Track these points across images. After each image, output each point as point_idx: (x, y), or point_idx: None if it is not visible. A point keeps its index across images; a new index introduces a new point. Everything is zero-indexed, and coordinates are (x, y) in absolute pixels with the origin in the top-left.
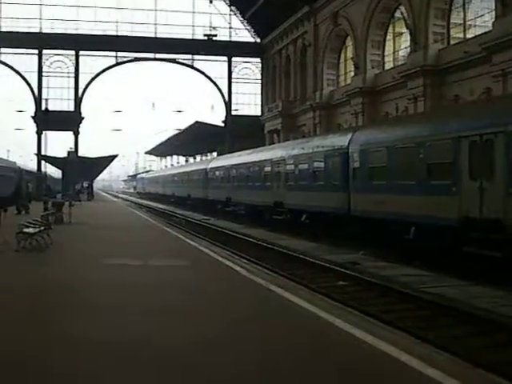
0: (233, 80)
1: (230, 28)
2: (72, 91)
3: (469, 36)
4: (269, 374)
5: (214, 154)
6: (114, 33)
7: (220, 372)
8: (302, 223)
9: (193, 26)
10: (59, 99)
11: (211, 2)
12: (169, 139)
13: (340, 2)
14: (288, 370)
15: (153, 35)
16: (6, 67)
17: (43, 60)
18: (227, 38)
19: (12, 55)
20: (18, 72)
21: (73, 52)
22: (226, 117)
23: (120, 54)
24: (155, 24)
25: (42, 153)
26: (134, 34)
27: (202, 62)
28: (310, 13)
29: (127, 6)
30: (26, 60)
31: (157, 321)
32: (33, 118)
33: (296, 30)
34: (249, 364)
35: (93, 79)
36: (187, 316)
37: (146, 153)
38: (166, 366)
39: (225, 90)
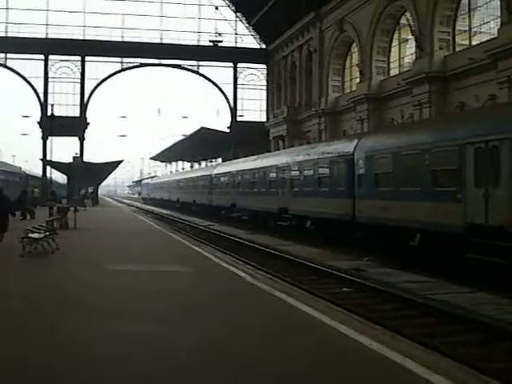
0: (238, 86)
1: (236, 34)
2: (78, 97)
3: (474, 43)
4: (274, 378)
5: (219, 159)
6: (119, 39)
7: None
8: (307, 229)
9: (198, 32)
10: (65, 105)
11: (217, 8)
12: (174, 145)
13: (345, 9)
14: (292, 373)
15: (158, 41)
16: (12, 73)
17: (49, 65)
18: (233, 44)
19: (18, 61)
20: (23, 77)
21: (79, 58)
22: (232, 123)
23: (126, 59)
24: (161, 30)
25: (48, 158)
26: (139, 40)
27: (208, 67)
28: (315, 19)
29: (133, 12)
30: (31, 65)
31: (160, 327)
32: (38, 123)
33: (301, 36)
34: (251, 369)
35: (98, 85)
36: (189, 321)
37: (151, 158)
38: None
39: (230, 96)
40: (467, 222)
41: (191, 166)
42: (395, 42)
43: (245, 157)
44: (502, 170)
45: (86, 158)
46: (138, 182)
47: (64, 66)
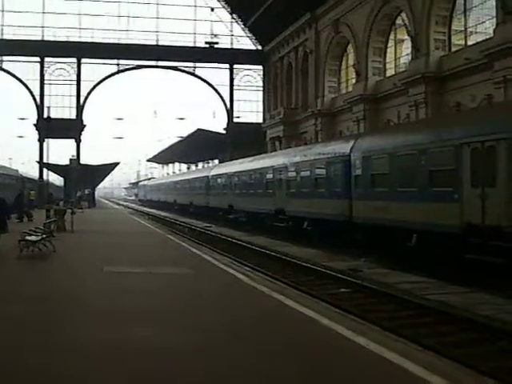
0: (234, 87)
1: (232, 35)
2: (74, 99)
3: (470, 43)
4: (271, 378)
5: (216, 161)
6: (115, 40)
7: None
8: (304, 230)
9: (194, 33)
10: (61, 107)
11: (213, 9)
12: (171, 146)
13: (341, 10)
14: (289, 374)
15: (154, 43)
16: (8, 75)
17: (45, 68)
18: (229, 46)
19: (14, 63)
20: (20, 80)
21: (75, 60)
22: (228, 124)
23: (122, 61)
24: (157, 32)
25: (44, 160)
26: (135, 42)
27: (204, 69)
28: (311, 20)
29: (129, 13)
30: (28, 68)
31: (157, 328)
32: (35, 125)
33: (297, 37)
34: (247, 368)
35: (94, 87)
36: (187, 321)
37: (148, 160)
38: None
39: (226, 98)
40: (464, 222)
41: (188, 168)
42: (391, 43)
43: (242, 158)
44: (499, 170)
45: (82, 160)
46: (135, 184)
47: (60, 68)
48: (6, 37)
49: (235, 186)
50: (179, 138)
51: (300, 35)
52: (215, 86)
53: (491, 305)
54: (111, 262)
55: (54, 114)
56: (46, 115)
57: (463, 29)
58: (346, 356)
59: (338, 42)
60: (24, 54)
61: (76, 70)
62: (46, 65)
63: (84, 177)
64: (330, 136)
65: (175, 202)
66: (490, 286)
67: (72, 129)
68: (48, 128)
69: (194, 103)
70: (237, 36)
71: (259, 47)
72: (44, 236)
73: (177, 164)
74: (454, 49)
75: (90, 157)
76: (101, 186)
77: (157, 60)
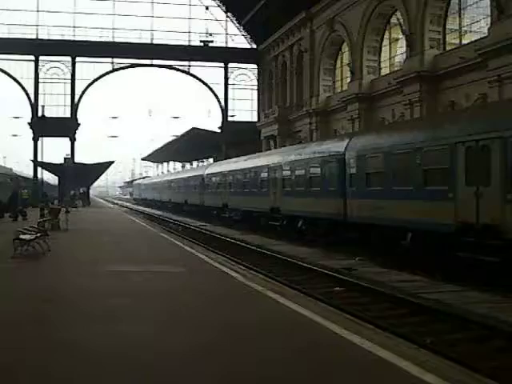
0: (229, 86)
1: (227, 34)
2: (68, 97)
3: (465, 42)
4: (266, 377)
5: (211, 160)
6: (110, 39)
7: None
8: (299, 229)
9: (189, 32)
10: (55, 105)
11: (207, 8)
12: (165, 145)
13: (336, 8)
14: (286, 375)
15: (149, 41)
16: (3, 73)
17: (40, 66)
18: (223, 44)
19: (8, 61)
20: (14, 78)
21: (69, 58)
22: (223, 123)
23: (116, 60)
24: (152, 30)
25: (39, 159)
26: (130, 41)
27: (199, 68)
28: (306, 19)
29: (124, 12)
30: (22, 66)
31: (152, 327)
32: (29, 124)
33: (292, 36)
34: (245, 368)
35: (89, 85)
36: (181, 321)
37: (143, 159)
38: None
39: (221, 96)
40: (458, 220)
41: (183, 167)
42: (386, 42)
43: (236, 157)
44: (493, 169)
45: (77, 159)
46: (130, 183)
47: (54, 67)
48: (0, 35)
49: (230, 184)
50: (174, 137)
51: (295, 34)
52: (210, 85)
53: (486, 303)
54: (105, 260)
55: (49, 112)
56: (40, 114)
57: (458, 28)
58: (340, 354)
59: (333, 41)
60: (18, 52)
61: (70, 68)
62: (40, 63)
63: (78, 175)
64: (325, 135)
65: (170, 200)
66: (485, 284)
67: (66, 127)
68: (42, 127)
69: (189, 102)
70: (231, 35)
71: (254, 46)
72: (38, 235)
73: (171, 163)
74: (448, 48)
75: (85, 155)
76: (95, 184)
77: (151, 59)
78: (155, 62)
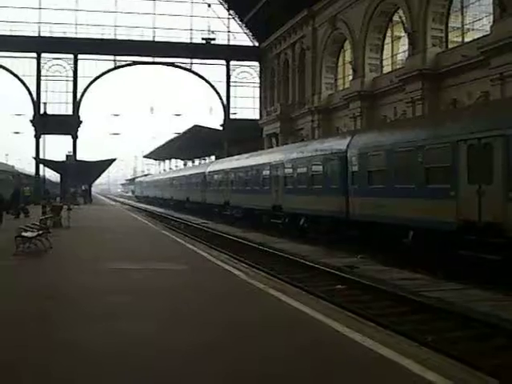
0: (231, 84)
1: (229, 32)
2: (70, 95)
3: (467, 40)
4: (268, 374)
5: (213, 157)
6: (112, 37)
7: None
8: (301, 227)
9: (191, 29)
10: (57, 103)
11: (209, 5)
12: (167, 143)
13: (338, 6)
14: (288, 373)
15: (151, 39)
16: (5, 71)
17: (42, 64)
18: (225, 42)
19: (10, 59)
20: (16, 76)
21: (71, 56)
22: (225, 120)
23: (118, 57)
24: (154, 28)
25: (41, 156)
26: (132, 38)
27: (201, 65)
28: (308, 17)
29: (126, 9)
30: (24, 64)
31: (154, 325)
32: (31, 121)
33: (294, 33)
34: (248, 366)
35: (91, 83)
36: (184, 319)
37: (145, 156)
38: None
39: (223, 94)
40: (460, 218)
41: (184, 164)
42: (388, 39)
43: (238, 154)
44: (495, 167)
45: (78, 157)
46: (132, 180)
47: (57, 64)
48: (2, 33)
49: (232, 182)
50: (176, 135)
51: (297, 32)
52: (212, 83)
53: (488, 301)
54: (107, 258)
55: (51, 110)
56: (42, 111)
57: (460, 26)
58: (341, 352)
59: (335, 39)
60: (20, 49)
61: (73, 66)
62: (42, 61)
63: (80, 173)
64: (327, 132)
65: (172, 198)
66: (487, 282)
67: (68, 125)
68: (44, 124)
69: (191, 99)
70: (233, 32)
71: (256, 43)
72: (40, 232)
73: (173, 160)
74: (450, 46)
75: (87, 153)
76: (97, 182)
77: (153, 56)
78: (157, 59)
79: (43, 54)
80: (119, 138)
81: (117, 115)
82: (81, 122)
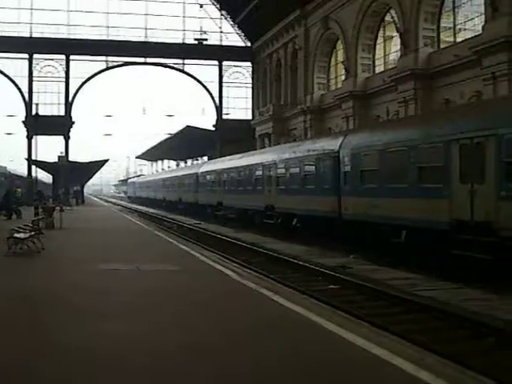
0: (223, 84)
1: (221, 32)
2: (62, 96)
3: (459, 40)
4: (260, 374)
5: (205, 158)
6: (104, 37)
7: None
8: (293, 227)
9: (183, 30)
10: (50, 104)
11: (201, 6)
12: (160, 143)
13: (330, 6)
14: (279, 373)
15: (143, 39)
16: None
17: (33, 64)
18: (218, 43)
19: (2, 60)
20: (8, 76)
21: (63, 56)
22: (217, 121)
23: (110, 58)
24: (146, 28)
25: (33, 157)
26: (124, 39)
27: (193, 66)
28: (300, 17)
29: (118, 10)
30: (16, 64)
31: (145, 326)
32: (23, 122)
33: (287, 33)
34: (240, 366)
35: (83, 84)
36: (176, 319)
37: (137, 157)
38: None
39: (216, 94)
40: (453, 218)
41: (177, 165)
42: (380, 39)
43: (231, 155)
44: (487, 167)
45: (71, 158)
46: (124, 181)
47: (48, 65)
48: None
49: (224, 182)
50: (168, 135)
51: (289, 32)
52: (204, 83)
53: (480, 301)
54: (100, 259)
55: (43, 111)
56: (34, 112)
57: (452, 25)
58: (334, 352)
59: (328, 39)
60: (12, 50)
61: (65, 66)
62: (34, 61)
63: (73, 174)
64: (319, 133)
65: (164, 199)
66: (479, 282)
67: (61, 126)
68: (36, 125)
69: (183, 100)
70: (226, 33)
71: (248, 44)
72: (32, 233)
73: (166, 161)
74: (442, 45)
75: (79, 154)
76: (90, 183)
77: (146, 57)
78: (149, 60)
79: (35, 55)
80: (112, 139)
81: (109, 116)
82: (73, 122)
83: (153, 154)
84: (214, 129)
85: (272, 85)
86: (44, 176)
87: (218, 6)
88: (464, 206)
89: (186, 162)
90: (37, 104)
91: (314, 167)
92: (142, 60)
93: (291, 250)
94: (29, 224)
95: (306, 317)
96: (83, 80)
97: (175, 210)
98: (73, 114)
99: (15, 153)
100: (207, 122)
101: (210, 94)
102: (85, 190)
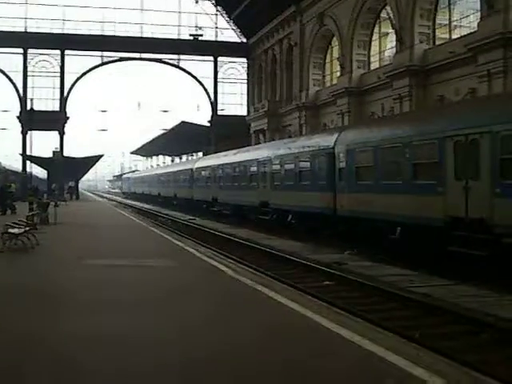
0: (219, 80)
1: (216, 28)
2: (57, 91)
3: (454, 36)
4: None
5: (200, 154)
6: (99, 32)
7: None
8: (288, 223)
9: (179, 25)
10: (44, 99)
11: (197, 1)
12: (154, 139)
13: (326, 2)
14: (277, 373)
15: (139, 35)
16: None
17: (28, 59)
18: (213, 38)
19: None
20: (2, 71)
21: (58, 51)
22: (212, 117)
23: (106, 53)
24: (141, 24)
25: (27, 153)
26: (119, 34)
27: (188, 61)
28: (296, 13)
29: (113, 5)
30: (10, 59)
31: (139, 321)
32: (18, 117)
33: (282, 30)
34: (229, 360)
35: (78, 79)
36: (171, 314)
37: (132, 153)
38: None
39: (211, 90)
40: (448, 214)
41: (172, 160)
42: (375, 36)
43: (226, 151)
44: (482, 163)
45: (66, 153)
46: (119, 177)
47: (43, 60)
48: None
49: (219, 178)
50: (163, 131)
51: (285, 28)
52: (199, 79)
53: (476, 297)
54: (94, 254)
55: (38, 106)
56: (29, 107)
57: (447, 22)
58: (329, 348)
59: (323, 35)
60: (7, 45)
61: (60, 61)
62: (29, 56)
63: (67, 169)
64: (314, 129)
65: (159, 194)
66: (474, 278)
67: (55, 121)
68: (31, 120)
69: (179, 96)
70: (221, 28)
71: (244, 40)
72: (27, 229)
73: (161, 157)
74: (438, 42)
75: (74, 149)
76: (84, 178)
77: (141, 52)
78: (144, 55)
79: (30, 50)
80: (106, 134)
81: (104, 111)
82: (68, 118)
83: (148, 150)
84: (209, 124)
85: (267, 81)
86: (39, 171)
87: (213, 1)
88: (459, 202)
89: (180, 158)
90: (31, 99)
91: (308, 163)
92: (137, 55)
93: (286, 246)
94: (23, 219)
95: (300, 312)
96: (78, 75)
97: (170, 205)
98: (68, 110)
99: (9, 148)
100: (202, 117)
101: (205, 90)
102: (79, 185)
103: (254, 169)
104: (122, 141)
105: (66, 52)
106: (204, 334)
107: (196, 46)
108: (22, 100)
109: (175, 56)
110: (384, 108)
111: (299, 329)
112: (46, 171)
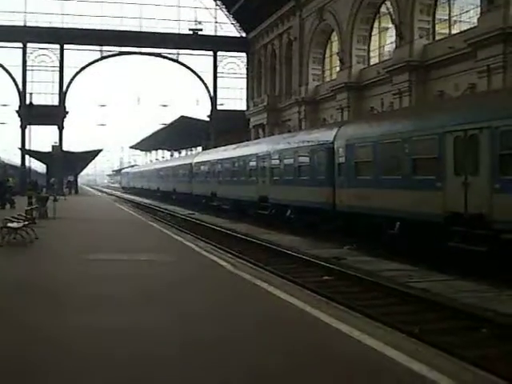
0: (218, 74)
1: (216, 22)
2: (57, 85)
3: (454, 32)
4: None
5: (199, 148)
6: (98, 27)
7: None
8: (288, 218)
9: (178, 20)
10: (44, 93)
11: None
12: (154, 134)
13: None
14: (277, 367)
15: (138, 29)
16: None
17: (27, 54)
18: (213, 33)
19: None
20: (1, 66)
21: (57, 46)
22: (212, 111)
23: (105, 48)
24: (140, 18)
25: (27, 147)
26: (119, 28)
27: (188, 56)
28: (295, 7)
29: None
30: (10, 54)
31: (137, 316)
32: (17, 112)
33: (282, 24)
34: (228, 356)
35: (77, 73)
36: (171, 309)
37: (131, 147)
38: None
39: (210, 85)
40: (447, 210)
41: (171, 155)
42: (375, 31)
43: (225, 145)
44: (481, 159)
45: (65, 147)
46: (118, 171)
47: (43, 55)
48: None
49: (218, 173)
50: (163, 125)
51: (284, 22)
52: (199, 73)
53: (473, 292)
54: (93, 249)
55: (37, 100)
56: (28, 102)
57: (447, 17)
58: (329, 343)
59: (323, 30)
60: (6, 39)
61: (59, 56)
62: (28, 51)
63: (67, 164)
64: (314, 124)
65: (158, 189)
66: (473, 273)
67: (55, 115)
68: (30, 115)
69: (178, 90)
70: (221, 23)
71: (243, 34)
72: (26, 223)
73: (160, 151)
74: (438, 37)
75: (73, 144)
76: (84, 173)
77: (140, 47)
78: (144, 49)
79: (29, 44)
80: (106, 129)
81: (103, 106)
82: (67, 112)
83: (147, 145)
84: (208, 119)
85: (267, 75)
86: (38, 166)
87: None
88: (458, 198)
89: (180, 153)
90: (31, 93)
91: (308, 158)
92: (136, 50)
93: (285, 241)
94: (22, 214)
95: (299, 307)
96: (77, 70)
97: (169, 200)
98: (67, 104)
99: (8, 142)
100: (202, 112)
101: (205, 85)
102: (79, 180)
103: (253, 163)
104: (121, 135)
105: (66, 46)
106: (203, 328)
107: (195, 41)
108: (22, 94)
109: (175, 50)
110: (383, 103)
111: (298, 324)
112: (45, 166)
